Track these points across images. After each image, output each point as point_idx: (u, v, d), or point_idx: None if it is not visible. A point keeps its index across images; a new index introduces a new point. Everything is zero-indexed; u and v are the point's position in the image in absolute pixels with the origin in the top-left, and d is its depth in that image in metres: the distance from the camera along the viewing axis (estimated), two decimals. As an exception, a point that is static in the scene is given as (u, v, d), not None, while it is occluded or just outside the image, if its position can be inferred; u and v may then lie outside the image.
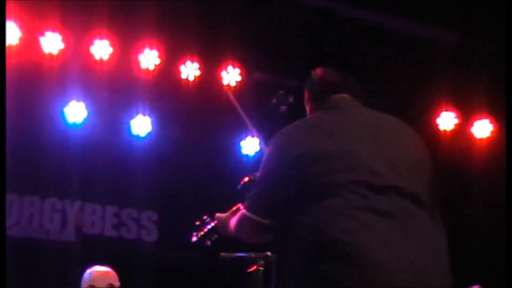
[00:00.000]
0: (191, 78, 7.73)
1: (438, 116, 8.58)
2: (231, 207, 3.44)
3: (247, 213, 3.01)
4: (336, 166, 2.76)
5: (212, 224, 3.65)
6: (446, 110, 8.56)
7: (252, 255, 4.38)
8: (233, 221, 3.26)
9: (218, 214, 3.56)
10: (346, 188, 2.71)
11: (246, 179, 3.57)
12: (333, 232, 2.66)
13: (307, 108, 3.22)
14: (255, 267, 4.30)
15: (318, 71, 3.21)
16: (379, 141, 2.86)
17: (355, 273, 2.58)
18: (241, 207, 3.24)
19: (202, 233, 3.72)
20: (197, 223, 3.72)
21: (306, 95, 3.22)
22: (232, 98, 3.73)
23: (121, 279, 5.48)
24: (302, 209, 2.74)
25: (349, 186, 2.71)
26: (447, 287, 2.74)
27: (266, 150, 3.03)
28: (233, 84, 7.80)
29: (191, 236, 3.77)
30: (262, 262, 4.28)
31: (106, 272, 5.05)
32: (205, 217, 3.70)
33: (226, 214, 3.48)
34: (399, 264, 2.60)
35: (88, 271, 5.07)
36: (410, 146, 2.95)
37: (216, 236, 3.69)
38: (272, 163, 2.94)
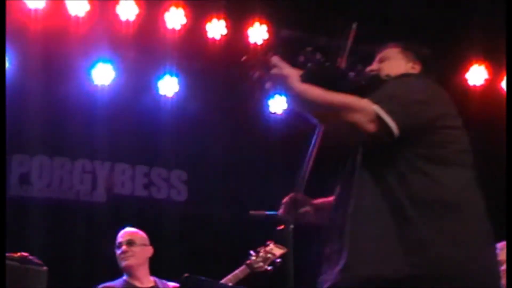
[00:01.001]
0: (217, 37, 7.68)
1: (467, 71, 8.46)
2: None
3: (378, 108, 2.69)
4: (464, 138, 2.96)
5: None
6: (476, 65, 8.44)
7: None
8: (320, 92, 2.83)
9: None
10: (468, 163, 2.92)
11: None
12: (463, 194, 2.79)
13: (396, 62, 3.22)
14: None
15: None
16: None
17: (474, 238, 2.75)
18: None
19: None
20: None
21: (416, 54, 3.31)
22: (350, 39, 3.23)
23: (151, 238, 5.57)
24: (436, 162, 2.79)
25: (470, 163, 2.93)
26: None
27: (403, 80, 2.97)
28: (259, 41, 7.74)
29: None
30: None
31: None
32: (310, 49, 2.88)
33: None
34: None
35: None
36: None
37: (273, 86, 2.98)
38: (422, 96, 2.83)
